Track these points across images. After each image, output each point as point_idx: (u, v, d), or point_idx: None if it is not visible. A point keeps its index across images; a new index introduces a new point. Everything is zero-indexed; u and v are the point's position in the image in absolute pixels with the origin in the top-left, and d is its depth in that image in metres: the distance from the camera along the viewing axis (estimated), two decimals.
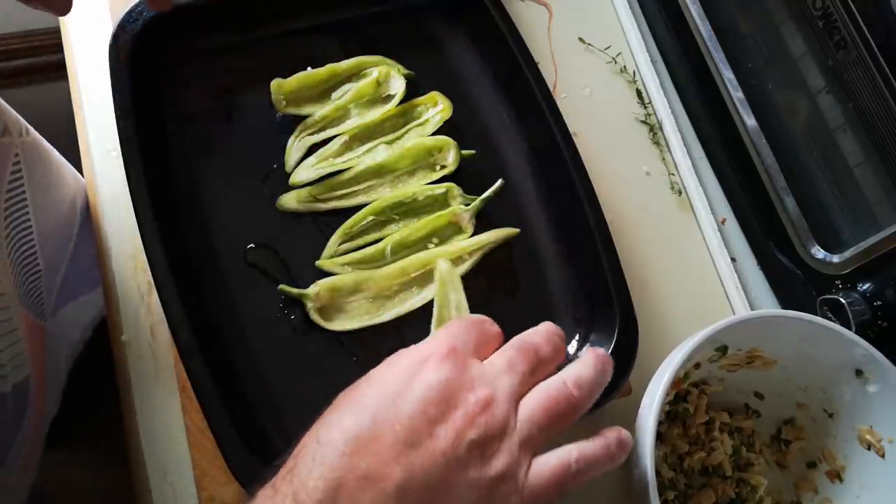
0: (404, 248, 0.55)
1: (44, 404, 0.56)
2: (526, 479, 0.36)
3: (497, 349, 0.41)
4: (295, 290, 0.52)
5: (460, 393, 0.36)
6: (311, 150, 0.57)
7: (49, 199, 0.55)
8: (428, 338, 0.41)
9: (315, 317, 0.52)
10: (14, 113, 0.51)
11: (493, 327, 0.42)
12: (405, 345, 0.52)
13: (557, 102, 0.59)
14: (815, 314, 0.55)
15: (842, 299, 0.54)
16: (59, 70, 0.59)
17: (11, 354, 0.47)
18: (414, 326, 0.54)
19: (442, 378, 0.36)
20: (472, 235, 0.56)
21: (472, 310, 0.55)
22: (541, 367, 0.40)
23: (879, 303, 0.53)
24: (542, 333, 0.41)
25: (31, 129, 0.53)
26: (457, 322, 0.41)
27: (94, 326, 0.68)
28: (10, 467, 0.49)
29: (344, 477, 0.34)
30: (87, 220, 0.61)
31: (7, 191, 0.49)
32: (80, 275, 0.63)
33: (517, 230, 0.57)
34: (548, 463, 0.37)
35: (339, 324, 0.52)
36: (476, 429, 0.35)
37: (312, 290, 0.52)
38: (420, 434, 0.35)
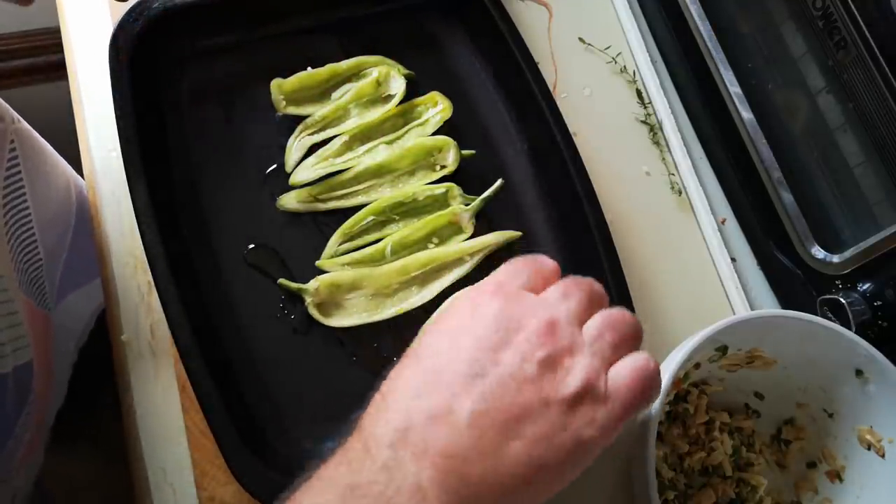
0: (404, 248, 0.55)
1: (48, 393, 0.56)
2: (607, 389, 0.35)
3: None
4: (294, 285, 0.52)
5: (520, 319, 0.35)
6: (311, 150, 0.57)
7: (45, 187, 0.55)
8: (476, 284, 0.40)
9: (314, 312, 0.52)
10: (3, 102, 0.51)
11: (547, 262, 0.41)
12: (406, 345, 0.53)
13: (557, 102, 0.59)
14: (815, 314, 0.55)
15: (842, 299, 0.54)
16: (59, 70, 0.59)
17: (12, 336, 0.47)
18: (414, 326, 0.54)
19: (496, 308, 0.35)
20: (473, 235, 0.56)
21: None
22: (596, 299, 0.39)
23: (879, 303, 0.53)
24: (629, 317, 0.39)
25: (21, 118, 0.53)
26: (506, 264, 0.40)
27: (97, 317, 0.68)
28: (12, 451, 0.49)
29: (411, 418, 0.33)
30: (82, 210, 0.61)
31: (5, 177, 0.49)
32: (80, 265, 0.63)
33: (519, 233, 0.57)
34: (623, 369, 0.36)
35: (338, 320, 0.52)
36: (543, 348, 0.34)
37: (312, 285, 0.52)
38: (483, 363, 0.34)
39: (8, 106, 0.51)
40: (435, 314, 0.39)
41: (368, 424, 0.34)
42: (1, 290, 0.46)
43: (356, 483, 0.32)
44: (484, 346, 0.34)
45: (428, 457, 0.32)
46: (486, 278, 0.39)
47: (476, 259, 0.56)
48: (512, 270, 0.39)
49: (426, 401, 0.33)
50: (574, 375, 0.34)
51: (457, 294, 0.39)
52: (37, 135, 0.55)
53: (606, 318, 0.37)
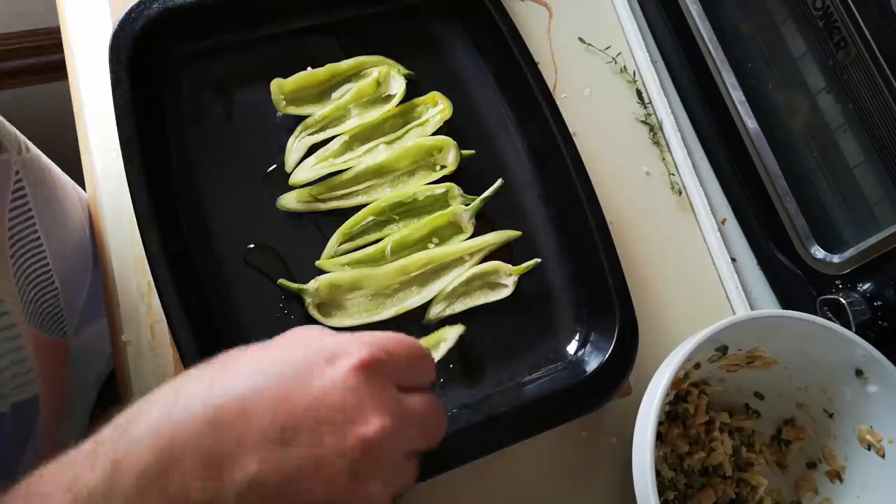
0: (404, 248, 0.55)
1: (59, 425, 0.55)
2: None
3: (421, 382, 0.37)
4: (294, 286, 0.52)
5: (368, 410, 0.32)
6: (312, 150, 0.57)
7: (58, 216, 0.54)
8: (355, 333, 0.36)
9: (314, 312, 0.52)
10: (12, 129, 0.50)
11: (427, 360, 0.37)
12: None
13: (557, 102, 0.59)
14: (815, 314, 0.55)
15: (842, 299, 0.54)
16: (59, 70, 0.59)
17: (14, 373, 0.46)
18: (414, 327, 0.54)
19: (356, 383, 0.32)
20: (473, 235, 0.57)
21: (474, 310, 0.55)
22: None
23: (879, 303, 0.53)
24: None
25: (32, 145, 0.52)
26: (397, 337, 0.36)
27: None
28: None
29: (184, 448, 0.29)
30: None
31: (11, 209, 0.48)
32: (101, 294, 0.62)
33: (519, 233, 0.57)
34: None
35: (338, 320, 0.52)
36: (364, 455, 0.31)
37: (312, 285, 0.52)
38: (301, 433, 0.30)
39: (18, 134, 0.50)
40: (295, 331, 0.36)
41: (138, 426, 0.30)
42: (6, 327, 0.46)
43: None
44: (312, 415, 0.31)
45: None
46: (372, 335, 0.35)
47: (476, 259, 0.56)
48: (398, 346, 0.35)
49: (215, 436, 0.29)
50: (369, 489, 0.32)
51: (329, 332, 0.35)
52: (50, 164, 0.54)
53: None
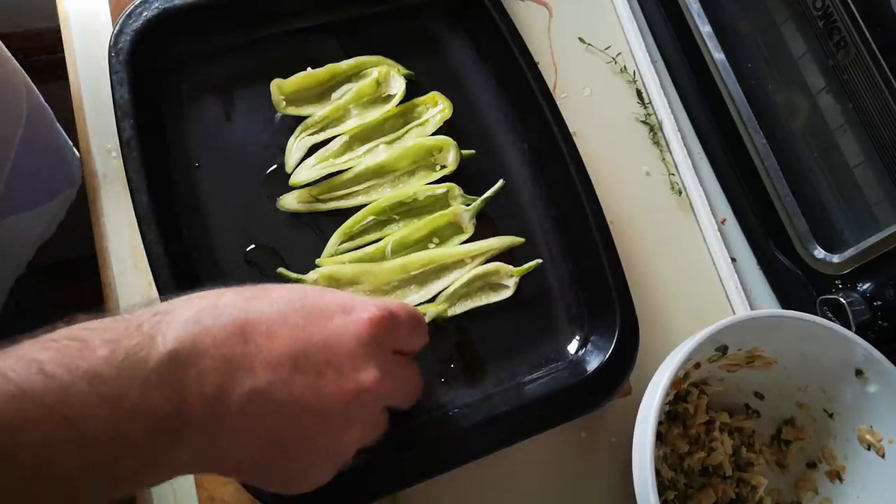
0: (405, 248, 0.55)
1: None
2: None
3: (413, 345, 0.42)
4: (293, 276, 0.52)
5: (368, 363, 0.36)
6: (312, 150, 0.57)
7: None
8: (380, 298, 0.41)
9: None
10: None
11: (423, 329, 0.43)
12: None
13: (557, 102, 0.59)
14: (815, 314, 0.55)
15: (842, 299, 0.54)
16: (59, 70, 0.59)
17: None
18: None
19: (365, 336, 0.36)
20: (473, 235, 0.57)
21: (474, 310, 0.55)
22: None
23: (879, 303, 0.53)
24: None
25: None
26: (406, 307, 0.41)
27: (37, 247, 0.66)
28: None
29: (212, 343, 0.32)
30: (33, 127, 0.58)
31: None
32: (24, 187, 0.60)
33: (522, 239, 0.57)
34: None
35: None
36: (356, 400, 0.35)
37: (311, 276, 0.52)
38: (312, 365, 0.34)
39: None
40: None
41: (176, 318, 0.33)
42: None
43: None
44: (326, 352, 0.35)
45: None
46: (388, 300, 0.42)
47: (477, 262, 0.56)
48: (405, 315, 0.40)
49: (239, 345, 0.33)
50: (352, 429, 0.37)
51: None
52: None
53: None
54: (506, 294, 0.55)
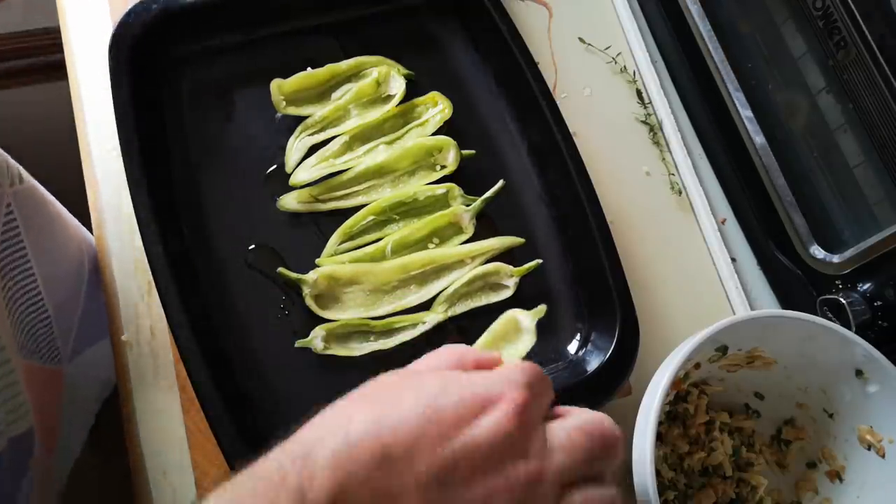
0: (405, 248, 0.55)
1: (53, 452, 0.55)
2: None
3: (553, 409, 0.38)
4: (294, 275, 0.52)
5: (514, 456, 0.33)
6: (312, 150, 0.57)
7: (52, 245, 0.54)
8: (504, 367, 0.37)
9: (310, 303, 0.52)
10: (8, 160, 0.50)
11: (549, 385, 0.38)
12: (405, 345, 0.53)
13: (557, 102, 0.59)
14: (815, 314, 0.55)
15: (842, 299, 0.54)
16: (59, 70, 0.59)
17: (9, 408, 0.46)
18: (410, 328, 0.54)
19: (505, 431, 0.33)
20: (473, 235, 0.57)
21: (474, 309, 0.55)
22: (598, 459, 0.36)
23: (879, 303, 0.53)
24: (608, 427, 0.37)
25: (27, 175, 0.52)
26: (533, 368, 0.37)
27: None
28: None
29: (356, 482, 0.31)
30: (95, 267, 0.60)
31: (1, 240, 0.48)
32: (98, 319, 0.61)
33: (522, 240, 0.57)
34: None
35: (334, 313, 0.52)
36: (511, 498, 0.32)
37: (311, 276, 0.52)
38: (455, 475, 0.32)
39: (12, 165, 0.50)
40: (439, 354, 0.38)
41: (315, 458, 0.32)
42: (3, 362, 0.46)
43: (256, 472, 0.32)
44: (468, 461, 0.32)
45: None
46: (516, 371, 0.36)
47: (477, 262, 0.56)
48: (538, 383, 0.36)
49: (387, 475, 0.32)
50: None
51: (478, 367, 0.37)
52: (43, 192, 0.55)
53: (594, 499, 0.35)
54: (506, 294, 0.55)
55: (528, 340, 0.54)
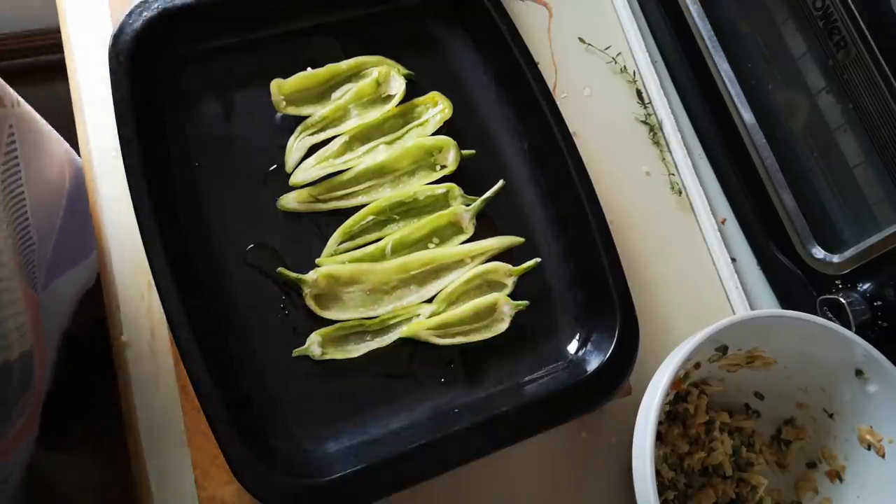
0: (404, 248, 0.55)
1: (43, 378, 0.55)
2: None
3: None
4: (293, 275, 0.52)
5: None
6: (312, 150, 0.57)
7: (40, 169, 0.54)
8: None
9: (310, 303, 0.52)
10: (5, 84, 0.50)
11: None
12: (405, 345, 0.53)
13: (557, 102, 0.59)
14: (815, 314, 0.55)
15: (842, 299, 0.54)
16: (59, 70, 0.59)
17: (16, 323, 0.46)
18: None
19: None
20: (473, 235, 0.57)
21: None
22: None
23: (879, 303, 0.53)
24: None
25: (22, 100, 0.52)
26: None
27: (78, 299, 0.67)
28: (4, 437, 0.49)
29: None
30: (76, 190, 0.59)
31: (3, 162, 0.48)
32: (68, 247, 0.61)
33: (521, 239, 0.57)
34: None
35: (334, 313, 0.52)
36: None
37: (311, 275, 0.52)
38: None
39: (8, 87, 0.50)
40: None
41: None
42: (6, 278, 0.46)
43: None
44: None
45: None
46: None
47: (477, 262, 0.56)
48: None
49: None
50: None
51: None
52: (35, 114, 0.54)
53: None
54: (505, 293, 0.55)
55: (499, 328, 0.54)
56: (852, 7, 0.51)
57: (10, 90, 0.50)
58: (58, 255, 0.60)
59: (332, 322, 0.52)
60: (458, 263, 0.56)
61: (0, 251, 0.45)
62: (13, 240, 0.49)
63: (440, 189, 0.57)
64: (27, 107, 0.53)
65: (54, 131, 0.57)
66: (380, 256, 0.55)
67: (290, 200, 0.55)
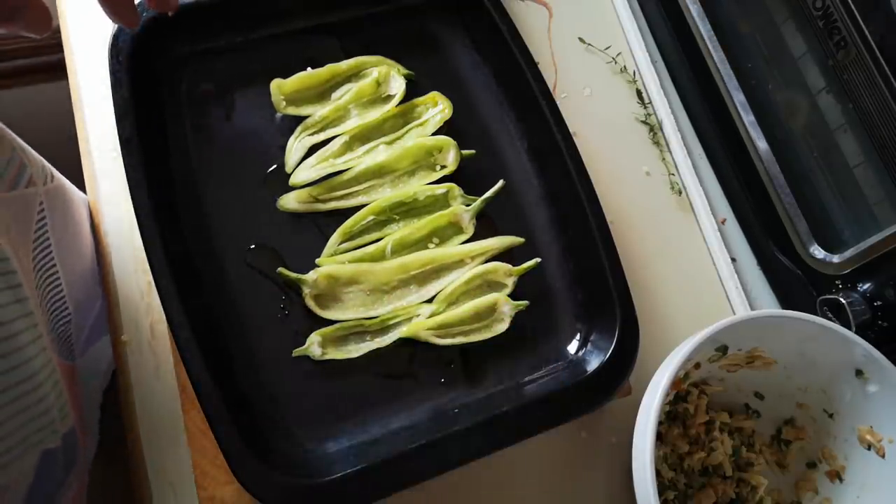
0: (405, 248, 0.55)
1: (86, 447, 0.55)
2: None
3: None
4: (294, 275, 0.52)
5: None
6: (312, 150, 0.57)
7: (72, 241, 0.54)
8: None
9: (310, 303, 0.52)
10: (39, 159, 0.50)
11: None
12: (405, 345, 0.53)
13: (557, 102, 0.59)
14: (815, 314, 0.55)
15: (842, 299, 0.54)
16: (59, 70, 0.59)
17: (59, 406, 0.46)
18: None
19: None
20: (473, 235, 0.57)
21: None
22: None
23: (879, 303, 0.53)
24: None
25: (55, 172, 0.52)
26: None
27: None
28: None
29: None
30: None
31: (34, 240, 0.48)
32: (104, 312, 0.62)
33: (521, 239, 0.57)
34: None
35: (334, 313, 0.52)
36: None
37: (311, 276, 0.52)
38: None
39: (45, 164, 0.50)
40: None
41: None
42: (48, 362, 0.45)
43: None
44: None
45: None
46: None
47: (477, 262, 0.56)
48: None
49: None
50: None
51: None
52: (64, 182, 0.54)
53: None
54: (505, 293, 0.55)
55: (499, 328, 0.54)
56: (852, 7, 0.51)
57: (46, 164, 0.50)
58: (99, 321, 0.61)
59: (331, 322, 0.52)
60: (458, 263, 0.56)
61: (42, 348, 0.45)
62: (48, 318, 0.49)
63: (440, 189, 0.57)
64: (59, 178, 0.53)
65: (81, 193, 0.58)
66: (380, 256, 0.55)
67: (290, 200, 0.55)
